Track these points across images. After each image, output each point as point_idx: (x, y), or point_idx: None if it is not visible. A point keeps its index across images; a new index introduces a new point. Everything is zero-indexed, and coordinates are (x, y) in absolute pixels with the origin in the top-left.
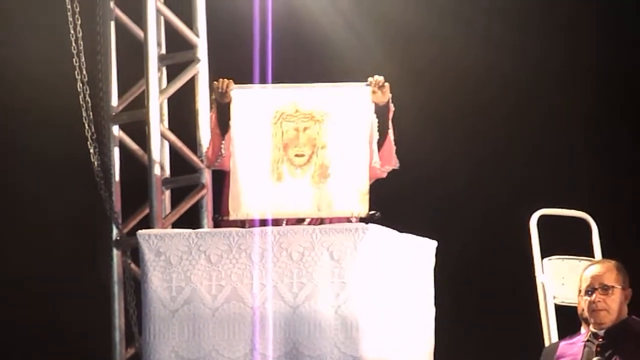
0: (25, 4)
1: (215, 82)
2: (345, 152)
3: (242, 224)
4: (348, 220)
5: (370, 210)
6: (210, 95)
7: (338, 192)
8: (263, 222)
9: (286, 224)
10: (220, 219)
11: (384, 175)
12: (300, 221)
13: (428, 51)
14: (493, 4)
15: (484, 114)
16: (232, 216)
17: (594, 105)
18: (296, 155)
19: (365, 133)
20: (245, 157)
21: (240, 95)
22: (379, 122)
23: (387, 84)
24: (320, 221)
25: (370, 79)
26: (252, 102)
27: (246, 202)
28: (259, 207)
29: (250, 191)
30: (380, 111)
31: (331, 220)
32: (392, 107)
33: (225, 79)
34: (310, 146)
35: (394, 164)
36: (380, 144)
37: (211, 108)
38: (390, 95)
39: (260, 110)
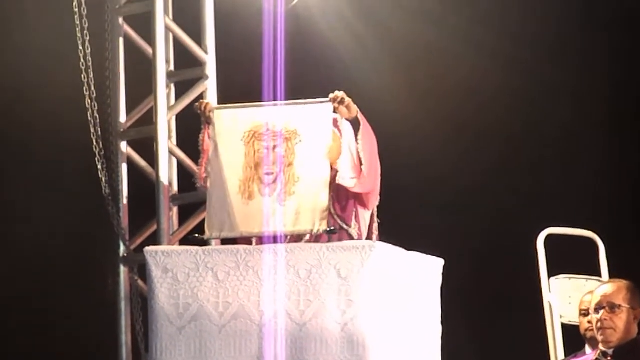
0: (34, 20)
1: (196, 104)
2: (309, 169)
3: (249, 241)
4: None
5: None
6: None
7: (300, 209)
8: (269, 240)
9: (288, 242)
10: (197, 239)
11: (363, 190)
12: (299, 238)
13: (437, 68)
14: (501, 23)
15: (491, 132)
16: (207, 235)
17: (603, 123)
18: (266, 174)
19: (325, 149)
20: (220, 177)
21: (219, 116)
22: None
23: (347, 99)
24: (317, 238)
25: (330, 95)
26: (229, 122)
27: (220, 222)
28: (232, 226)
29: (223, 210)
30: (352, 126)
31: (317, 238)
32: (363, 122)
33: (204, 101)
34: (278, 164)
35: (365, 181)
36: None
37: (201, 129)
38: (357, 109)
39: (235, 129)
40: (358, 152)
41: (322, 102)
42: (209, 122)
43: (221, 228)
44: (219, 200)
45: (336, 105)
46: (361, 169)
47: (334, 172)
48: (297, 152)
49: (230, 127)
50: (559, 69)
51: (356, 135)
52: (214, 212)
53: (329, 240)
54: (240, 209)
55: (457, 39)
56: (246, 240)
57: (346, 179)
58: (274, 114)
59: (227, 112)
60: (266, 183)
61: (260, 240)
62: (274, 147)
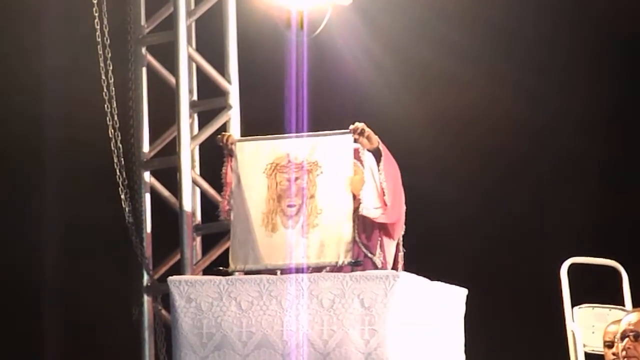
0: (57, 50)
1: (218, 137)
2: (331, 200)
3: (273, 271)
4: (332, 268)
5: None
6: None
7: (324, 241)
8: (297, 271)
9: (310, 272)
10: (222, 271)
11: (388, 221)
12: (320, 269)
13: (460, 98)
14: (516, 52)
15: (518, 162)
16: (232, 268)
17: (627, 153)
18: (288, 206)
19: (346, 181)
20: (243, 209)
21: (241, 148)
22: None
23: (368, 130)
24: (339, 269)
25: (351, 126)
26: (251, 154)
27: (244, 254)
28: (255, 259)
29: (247, 242)
30: (374, 157)
31: (339, 269)
32: (384, 153)
33: (226, 133)
34: (300, 196)
35: (390, 211)
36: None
37: (224, 162)
38: (378, 140)
39: (258, 162)
40: (381, 183)
41: (342, 133)
42: (231, 154)
43: (245, 261)
44: (242, 233)
45: (356, 136)
46: (384, 199)
47: (357, 203)
48: (319, 183)
49: (253, 160)
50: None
51: (378, 166)
52: (238, 244)
53: (352, 271)
54: (263, 242)
55: (479, 70)
56: (270, 271)
57: (370, 209)
58: (296, 146)
59: (249, 145)
60: (289, 215)
61: (284, 271)
62: (296, 178)
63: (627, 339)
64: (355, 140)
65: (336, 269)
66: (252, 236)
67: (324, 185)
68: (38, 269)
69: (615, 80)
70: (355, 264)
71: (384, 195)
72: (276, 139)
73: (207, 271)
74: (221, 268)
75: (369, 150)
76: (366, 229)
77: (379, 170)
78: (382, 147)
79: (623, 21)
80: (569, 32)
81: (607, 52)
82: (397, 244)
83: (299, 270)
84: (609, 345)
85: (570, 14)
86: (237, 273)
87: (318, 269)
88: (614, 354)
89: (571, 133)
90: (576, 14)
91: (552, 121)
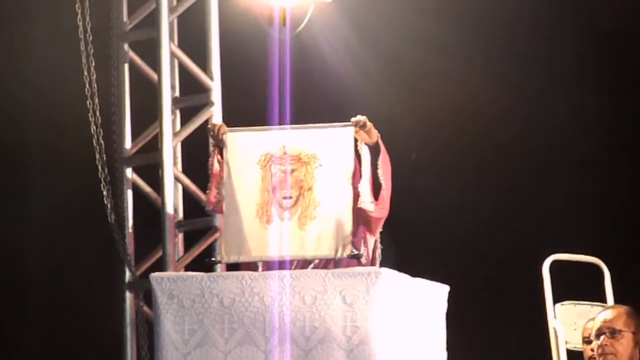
0: (39, 47)
1: (208, 127)
2: (330, 193)
3: (255, 267)
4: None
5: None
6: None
7: (322, 234)
8: (275, 265)
9: (295, 267)
10: (212, 263)
11: (380, 216)
12: (307, 264)
13: (441, 95)
14: (502, 48)
15: (496, 159)
16: (225, 259)
17: (607, 147)
18: (284, 198)
19: (347, 174)
20: (236, 200)
21: (232, 139)
22: (372, 163)
23: (369, 124)
24: (326, 264)
25: (352, 118)
26: (243, 145)
27: (238, 245)
28: (249, 250)
29: (241, 234)
30: (371, 151)
31: (335, 262)
32: (382, 147)
33: (217, 123)
34: (297, 188)
35: (384, 206)
36: (377, 185)
37: (211, 153)
38: (378, 134)
39: (250, 153)
40: (379, 177)
41: (344, 126)
42: (221, 145)
43: (239, 252)
44: (235, 224)
45: (357, 129)
46: (374, 194)
47: (356, 196)
48: (317, 176)
49: (245, 150)
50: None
51: (376, 160)
52: (230, 235)
53: (347, 266)
54: (258, 233)
55: (462, 65)
56: (251, 266)
57: (367, 202)
58: (290, 138)
59: (241, 135)
60: (285, 207)
61: (267, 266)
62: (292, 170)
63: (603, 336)
64: (355, 133)
65: (322, 263)
66: (245, 227)
67: (323, 178)
68: (20, 264)
69: (598, 72)
70: (356, 257)
71: (379, 190)
72: (270, 130)
73: (190, 267)
74: (213, 259)
75: (367, 145)
76: (353, 224)
77: (376, 165)
78: (380, 142)
79: (604, 11)
80: (549, 22)
81: (588, 43)
82: (375, 241)
83: (293, 263)
84: (587, 341)
85: (550, 3)
86: (217, 267)
87: (300, 262)
88: (592, 349)
89: (554, 125)
90: (555, 3)
91: (535, 113)
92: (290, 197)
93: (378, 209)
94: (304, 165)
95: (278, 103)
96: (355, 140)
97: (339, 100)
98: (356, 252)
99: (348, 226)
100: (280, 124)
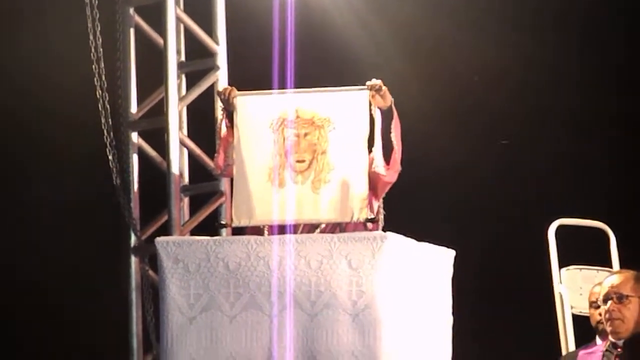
0: (44, 11)
1: (219, 90)
2: (344, 157)
3: (260, 231)
4: (327, 226)
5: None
6: (218, 103)
7: (337, 197)
8: (282, 229)
9: (301, 232)
10: (222, 226)
11: (391, 180)
12: (314, 228)
13: (448, 59)
14: (509, 13)
15: (502, 124)
16: (235, 223)
17: (614, 114)
18: (297, 161)
19: (363, 137)
20: (247, 164)
21: (243, 103)
22: (384, 127)
23: (384, 88)
24: (333, 228)
25: (368, 82)
26: (254, 108)
27: (249, 209)
28: (261, 214)
29: (252, 198)
30: (384, 115)
31: (341, 227)
32: (395, 111)
33: (229, 87)
34: (310, 152)
35: (396, 169)
36: (387, 149)
37: (220, 117)
38: (392, 99)
39: (262, 116)
40: (392, 142)
41: (359, 89)
42: (231, 109)
43: (250, 215)
44: (246, 188)
45: (373, 92)
46: (385, 158)
47: (370, 160)
48: (331, 139)
49: (256, 114)
50: (567, 60)
51: (390, 125)
52: (241, 199)
53: (354, 231)
54: (270, 197)
55: (469, 30)
56: (256, 230)
57: (380, 166)
58: (303, 101)
59: (252, 99)
60: (298, 170)
61: (272, 230)
62: (305, 134)
63: (610, 301)
64: (370, 97)
65: (329, 228)
66: (257, 191)
67: (337, 142)
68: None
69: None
70: (371, 221)
71: (392, 153)
72: (282, 94)
73: (195, 232)
74: (223, 222)
75: (380, 109)
76: None
77: (390, 130)
78: (393, 107)
79: None
80: None
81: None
82: (379, 206)
83: (325, 229)
84: (595, 306)
85: None
86: (223, 232)
87: (307, 226)
88: (600, 314)
89: (570, 93)
90: None
91: (548, 81)
92: (304, 161)
93: (390, 173)
94: (317, 129)
95: (284, 67)
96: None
97: (344, 64)
98: (372, 216)
99: (364, 190)
100: (283, 88)
